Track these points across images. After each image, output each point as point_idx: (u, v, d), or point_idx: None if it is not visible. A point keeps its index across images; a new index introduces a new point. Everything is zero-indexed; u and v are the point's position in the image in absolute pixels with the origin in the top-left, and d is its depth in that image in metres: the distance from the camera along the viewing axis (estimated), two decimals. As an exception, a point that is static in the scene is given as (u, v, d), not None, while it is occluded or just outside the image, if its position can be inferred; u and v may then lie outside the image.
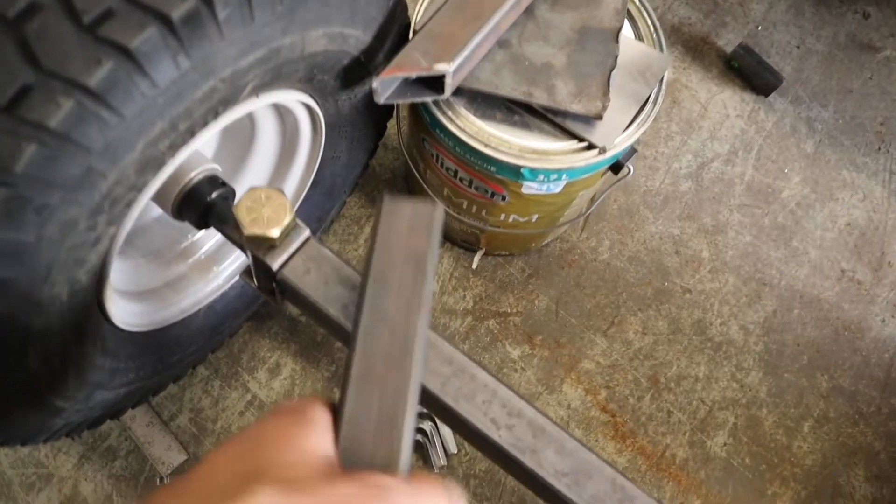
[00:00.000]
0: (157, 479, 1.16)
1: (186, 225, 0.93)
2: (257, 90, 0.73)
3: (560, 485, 0.76)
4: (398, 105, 1.15)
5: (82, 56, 0.54)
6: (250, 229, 0.77)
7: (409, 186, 1.34)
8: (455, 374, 0.80)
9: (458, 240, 1.29)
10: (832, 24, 1.62)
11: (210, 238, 1.06)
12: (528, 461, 0.77)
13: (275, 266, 0.80)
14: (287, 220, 0.78)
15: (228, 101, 0.68)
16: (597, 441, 1.23)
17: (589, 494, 0.76)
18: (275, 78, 0.73)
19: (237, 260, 1.07)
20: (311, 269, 0.82)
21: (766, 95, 1.52)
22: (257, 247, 0.81)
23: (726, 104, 1.52)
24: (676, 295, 1.36)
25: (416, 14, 0.97)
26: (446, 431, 1.17)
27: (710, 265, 1.39)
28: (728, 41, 1.57)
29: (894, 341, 1.36)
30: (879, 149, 1.53)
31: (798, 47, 1.60)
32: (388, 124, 1.13)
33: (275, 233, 0.78)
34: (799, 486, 1.24)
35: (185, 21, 0.57)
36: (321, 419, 0.41)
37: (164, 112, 0.60)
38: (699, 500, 1.22)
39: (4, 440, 0.79)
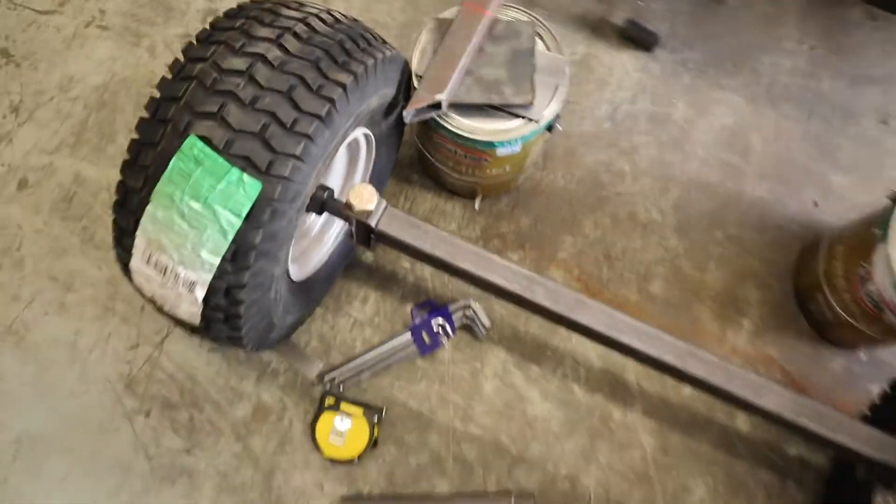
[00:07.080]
0: (310, 383, 1.83)
1: (306, 216, 1.60)
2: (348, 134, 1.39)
3: (548, 302, 1.44)
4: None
5: (291, 141, 1.19)
6: (358, 206, 1.44)
7: (423, 165, 2.01)
8: (483, 259, 1.48)
9: (462, 193, 1.96)
10: (690, -11, 2.28)
11: (317, 222, 1.73)
12: (536, 297, 1.44)
13: (373, 224, 1.47)
14: (377, 199, 1.45)
15: (339, 145, 1.34)
16: (577, 301, 1.91)
17: (557, 303, 1.44)
18: (356, 125, 1.39)
19: (336, 231, 1.75)
20: (391, 222, 1.48)
21: (651, 51, 2.18)
22: (360, 216, 1.48)
23: (625, 64, 2.18)
24: (612, 198, 2.03)
25: (413, 65, 1.62)
26: (481, 313, 1.85)
27: (632, 175, 2.06)
28: (619, 17, 2.22)
29: (761, 199, 2.04)
30: (735, 72, 2.19)
31: (668, 12, 2.25)
32: (405, 131, 1.80)
33: (371, 206, 1.44)
34: (713, 303, 1.93)
35: (325, 115, 1.23)
36: None
37: (321, 157, 1.27)
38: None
39: (248, 344, 1.44)
